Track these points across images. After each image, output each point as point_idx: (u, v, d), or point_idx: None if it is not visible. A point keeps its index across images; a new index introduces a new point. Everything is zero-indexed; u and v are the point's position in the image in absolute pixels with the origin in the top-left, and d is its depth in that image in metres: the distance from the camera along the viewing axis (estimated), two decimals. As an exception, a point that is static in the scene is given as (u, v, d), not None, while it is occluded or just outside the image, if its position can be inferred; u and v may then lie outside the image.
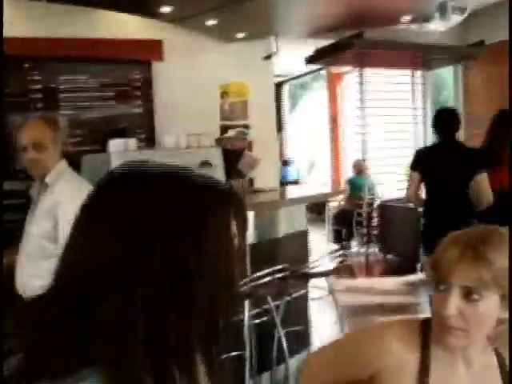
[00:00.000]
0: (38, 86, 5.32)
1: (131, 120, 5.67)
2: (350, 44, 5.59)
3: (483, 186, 3.60)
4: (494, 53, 6.34)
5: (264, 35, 5.88)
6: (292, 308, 3.64)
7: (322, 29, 5.86)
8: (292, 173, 11.53)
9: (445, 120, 3.84)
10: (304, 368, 1.55)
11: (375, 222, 7.14)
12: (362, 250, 7.31)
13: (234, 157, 4.15)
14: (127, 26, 5.47)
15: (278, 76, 10.95)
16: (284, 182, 10.95)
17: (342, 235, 7.64)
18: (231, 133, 6.00)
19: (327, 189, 6.76)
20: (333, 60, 6.30)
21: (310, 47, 6.72)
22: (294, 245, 3.96)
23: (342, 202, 7.81)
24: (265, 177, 5.94)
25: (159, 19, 5.41)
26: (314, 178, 11.21)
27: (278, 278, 3.19)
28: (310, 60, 6.43)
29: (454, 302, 1.20)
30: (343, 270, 6.67)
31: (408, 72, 7.44)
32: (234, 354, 3.16)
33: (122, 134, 4.96)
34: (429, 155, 3.94)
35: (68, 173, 2.79)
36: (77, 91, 5.43)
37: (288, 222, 4.08)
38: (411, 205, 4.68)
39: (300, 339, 3.49)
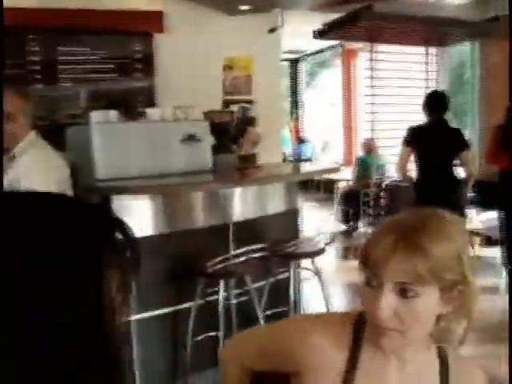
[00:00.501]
0: (37, 58, 5.23)
1: (131, 93, 5.56)
2: (357, 17, 5.38)
3: (469, 161, 4.29)
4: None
5: (269, 8, 5.69)
6: (279, 289, 3.54)
7: (331, 0, 5.63)
8: (306, 151, 11.38)
9: (436, 102, 4.35)
10: (227, 347, 1.44)
11: (383, 202, 6.99)
12: (370, 230, 7.17)
13: (221, 130, 4.02)
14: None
15: (294, 52, 10.78)
16: (298, 160, 10.86)
17: (349, 215, 7.50)
18: (233, 108, 5.87)
19: (321, 166, 6.61)
20: (341, 34, 6.10)
21: (320, 21, 6.53)
22: (284, 224, 3.84)
23: (351, 182, 7.64)
24: (269, 153, 5.82)
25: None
26: (328, 156, 11.03)
27: (257, 257, 3.09)
28: (319, 34, 6.23)
29: (388, 302, 1.05)
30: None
31: (422, 49, 7.18)
32: (211, 334, 3.10)
33: (120, 106, 4.88)
34: (420, 133, 4.34)
35: (37, 144, 2.72)
36: (76, 63, 5.34)
37: (278, 200, 3.96)
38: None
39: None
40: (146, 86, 5.63)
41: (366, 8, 5.34)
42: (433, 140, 4.24)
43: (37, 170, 2.55)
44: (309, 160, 10.84)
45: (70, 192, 2.71)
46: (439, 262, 1.05)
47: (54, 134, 4.13)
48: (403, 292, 1.05)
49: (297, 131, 12.10)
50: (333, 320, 1.25)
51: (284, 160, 10.25)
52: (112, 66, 5.49)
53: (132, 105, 5.38)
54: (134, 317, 3.09)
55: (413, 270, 1.04)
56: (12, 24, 4.85)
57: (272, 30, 5.74)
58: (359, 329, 1.19)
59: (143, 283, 3.13)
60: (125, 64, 5.53)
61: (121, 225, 0.75)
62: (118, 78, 5.50)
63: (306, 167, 6.46)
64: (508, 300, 4.05)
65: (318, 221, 7.72)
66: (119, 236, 0.74)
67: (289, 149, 11.82)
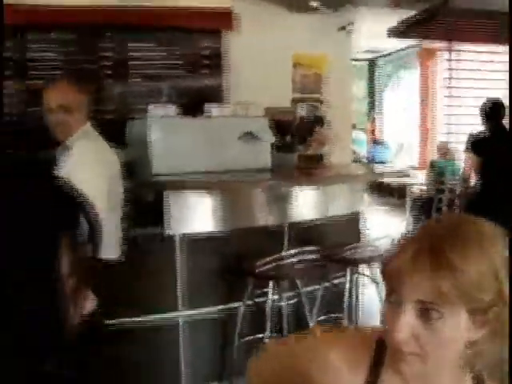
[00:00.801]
0: (109, 54, 5.34)
1: (200, 90, 5.56)
2: (434, 14, 5.11)
3: None
4: None
5: (340, 4, 5.51)
6: (334, 294, 3.40)
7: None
8: (381, 153, 11.08)
9: (494, 110, 4.38)
10: (253, 359, 1.34)
11: (457, 209, 6.64)
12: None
13: (282, 129, 3.91)
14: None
15: (372, 52, 10.52)
16: (372, 162, 10.61)
17: (421, 222, 7.18)
18: (301, 106, 5.75)
19: (390, 169, 6.34)
20: (417, 33, 5.83)
21: (396, 19, 6.28)
22: (344, 227, 3.69)
23: (424, 187, 7.32)
24: (338, 154, 5.67)
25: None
26: (403, 159, 10.67)
27: (311, 259, 2.97)
28: (393, 33, 6.00)
29: (406, 322, 0.91)
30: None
31: (506, 48, 6.75)
32: (259, 336, 3.01)
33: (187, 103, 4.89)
34: (482, 140, 4.40)
35: (90, 135, 2.72)
36: (146, 60, 5.41)
37: (341, 202, 3.82)
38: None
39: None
40: (214, 83, 5.61)
41: (443, 4, 5.05)
42: (494, 147, 4.30)
43: (86, 160, 2.54)
44: (383, 162, 10.53)
45: (119, 186, 2.70)
46: (469, 281, 0.88)
47: (120, 128, 4.22)
48: (425, 312, 0.90)
49: (373, 132, 11.82)
50: (352, 338, 1.11)
51: (357, 161, 10.04)
52: (181, 62, 5.51)
53: (200, 102, 5.40)
54: (182, 313, 3.06)
55: (436, 289, 0.88)
56: (88, 22, 5.03)
57: (343, 28, 5.57)
58: (381, 350, 1.05)
59: (194, 280, 3.10)
60: (193, 61, 5.54)
61: (84, 209, 0.69)
62: (186, 75, 5.52)
63: (374, 169, 6.25)
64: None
65: (388, 226, 7.45)
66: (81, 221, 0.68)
67: (364, 150, 11.57)
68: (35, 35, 5.08)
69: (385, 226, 7.26)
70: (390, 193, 9.59)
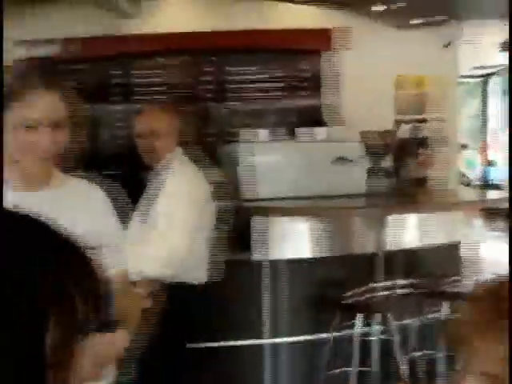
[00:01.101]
0: (209, 78, 5.45)
1: (299, 113, 5.51)
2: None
3: None
4: None
5: (444, 20, 5.26)
6: (430, 330, 3.17)
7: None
8: (495, 175, 10.39)
9: None
10: None
11: None
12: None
13: (380, 152, 3.75)
14: (295, 15, 5.31)
15: (483, 68, 10.00)
16: (485, 185, 10.00)
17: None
18: (405, 128, 5.53)
19: (500, 192, 5.88)
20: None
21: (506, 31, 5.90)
22: (444, 257, 3.44)
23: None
24: (444, 177, 5.38)
25: (327, 6, 5.16)
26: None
27: (405, 293, 2.79)
28: (506, 46, 5.62)
29: None
30: None
31: None
32: (347, 369, 2.86)
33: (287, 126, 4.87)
34: None
35: (180, 161, 2.74)
36: (244, 82, 5.46)
37: (441, 230, 3.58)
38: None
39: (433, 367, 3.02)
40: (314, 104, 5.54)
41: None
42: None
43: (174, 186, 2.56)
44: (496, 185, 9.86)
45: (208, 210, 2.69)
46: None
47: (216, 151, 4.26)
48: None
49: (486, 153, 11.17)
50: None
51: (467, 184, 9.50)
52: (279, 84, 5.50)
53: (299, 124, 5.35)
54: (268, 341, 2.99)
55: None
56: (191, 47, 5.19)
57: (447, 45, 5.30)
58: None
59: (280, 308, 3.03)
60: (293, 83, 5.50)
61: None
62: (285, 97, 5.49)
63: (485, 194, 5.86)
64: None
65: (498, 255, 6.92)
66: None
67: (476, 172, 10.95)
68: (141, 61, 5.31)
69: (494, 255, 6.75)
70: (502, 218, 8.95)
